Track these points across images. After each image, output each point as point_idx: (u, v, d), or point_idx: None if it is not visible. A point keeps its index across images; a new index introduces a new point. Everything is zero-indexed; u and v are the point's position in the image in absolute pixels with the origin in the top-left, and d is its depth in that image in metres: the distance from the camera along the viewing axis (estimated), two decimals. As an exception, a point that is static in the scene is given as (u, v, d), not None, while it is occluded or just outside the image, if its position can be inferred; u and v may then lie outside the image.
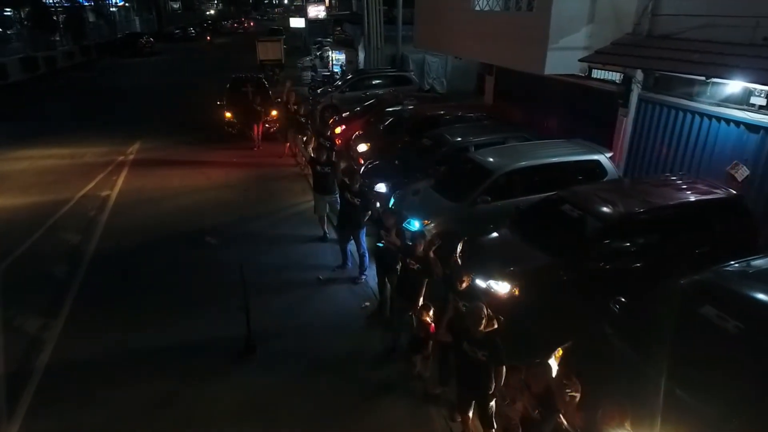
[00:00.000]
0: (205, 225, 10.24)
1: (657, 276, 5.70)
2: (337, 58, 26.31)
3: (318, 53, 29.49)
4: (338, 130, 14.79)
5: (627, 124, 10.40)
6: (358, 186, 7.92)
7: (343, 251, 8.53)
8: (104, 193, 11.84)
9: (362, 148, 12.65)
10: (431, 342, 5.88)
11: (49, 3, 39.20)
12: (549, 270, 6.46)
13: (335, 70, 25.75)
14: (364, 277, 8.22)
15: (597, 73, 11.06)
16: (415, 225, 8.37)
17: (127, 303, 7.70)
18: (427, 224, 8.35)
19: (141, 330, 7.07)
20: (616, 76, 10.48)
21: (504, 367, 4.49)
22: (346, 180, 8.20)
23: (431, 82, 22.27)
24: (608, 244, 6.72)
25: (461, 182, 8.98)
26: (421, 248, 6.10)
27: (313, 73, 26.54)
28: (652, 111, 9.97)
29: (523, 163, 8.70)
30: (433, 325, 5.84)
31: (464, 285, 5.33)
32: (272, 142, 15.50)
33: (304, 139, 13.43)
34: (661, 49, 9.14)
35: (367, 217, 8.04)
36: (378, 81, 19.13)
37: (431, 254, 5.93)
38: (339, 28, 33.14)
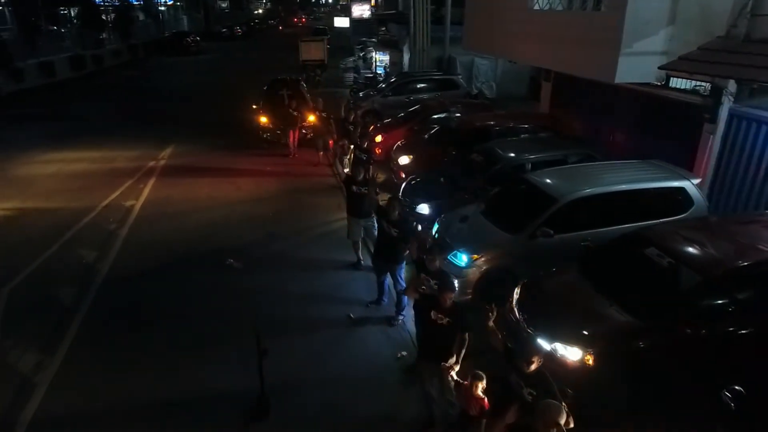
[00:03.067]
0: (230, 244, 9.36)
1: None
2: (380, 59, 25.28)
3: (361, 54, 28.52)
4: (378, 138, 13.74)
5: (714, 142, 8.89)
6: (397, 214, 6.78)
7: (380, 285, 7.43)
8: (128, 203, 11.14)
9: (404, 160, 11.53)
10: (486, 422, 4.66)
11: (99, 2, 39.75)
12: (633, 335, 5.16)
13: (378, 72, 24.72)
14: (401, 317, 7.09)
15: (676, 82, 9.62)
16: (462, 259, 7.18)
17: (132, 339, 6.83)
18: (476, 259, 7.16)
19: (144, 373, 6.18)
20: (701, 86, 9.02)
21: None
22: (384, 205, 7.09)
23: (480, 86, 20.92)
24: (710, 303, 5.36)
25: (518, 209, 7.74)
26: (449, 298, 4.90)
27: (356, 75, 25.59)
28: (747, 128, 8.45)
29: (593, 190, 7.36)
30: (486, 400, 4.64)
31: (533, 366, 4.05)
32: (308, 148, 14.53)
33: (342, 148, 12.42)
34: (764, 56, 7.64)
35: (406, 251, 6.91)
36: (423, 85, 17.97)
37: (490, 324, 4.67)
38: (383, 28, 32.07)
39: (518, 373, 4.07)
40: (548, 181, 7.75)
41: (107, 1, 41.22)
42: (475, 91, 20.18)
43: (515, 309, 5.98)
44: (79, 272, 8.41)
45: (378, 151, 13.53)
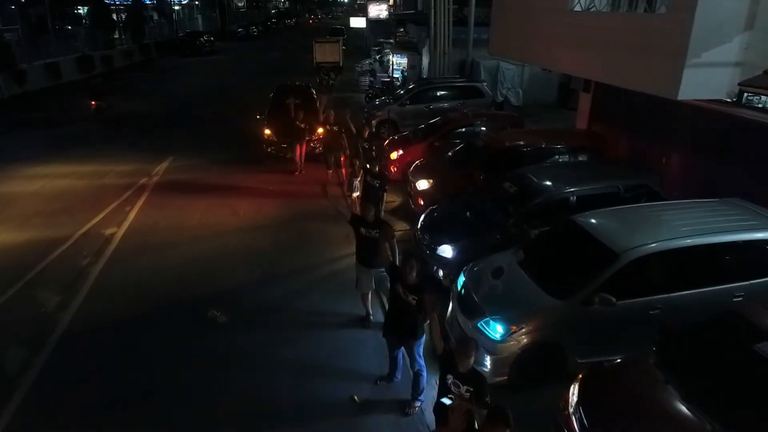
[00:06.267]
0: (218, 287, 8.00)
1: None
2: (398, 62, 23.74)
3: (377, 56, 27.01)
4: (394, 155, 12.26)
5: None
6: (415, 275, 5.27)
7: (392, 360, 5.94)
8: (109, 232, 9.79)
9: (423, 185, 10.01)
10: None
11: (110, 1, 38.83)
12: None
13: (396, 76, 23.21)
14: (419, 403, 5.60)
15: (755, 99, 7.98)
16: (497, 330, 5.66)
17: (85, 425, 5.45)
18: (515, 330, 5.63)
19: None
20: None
21: None
22: (398, 264, 5.61)
23: (505, 93, 19.30)
24: None
25: (567, 264, 6.19)
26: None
27: (372, 79, 24.09)
28: None
29: (666, 244, 5.76)
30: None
31: None
32: (317, 163, 13.07)
33: (353, 167, 10.92)
34: None
35: (427, 321, 5.41)
36: (444, 92, 16.42)
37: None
38: (402, 29, 30.55)
39: None
40: (606, 228, 6.18)
41: (119, 1, 40.27)
42: (501, 99, 18.63)
43: (580, 414, 4.44)
44: (35, 325, 7.05)
45: (393, 169, 12.07)
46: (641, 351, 4.76)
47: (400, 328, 5.50)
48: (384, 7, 38.27)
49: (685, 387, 4.27)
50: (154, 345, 6.70)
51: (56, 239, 9.42)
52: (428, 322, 5.32)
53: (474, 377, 4.11)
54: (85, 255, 8.92)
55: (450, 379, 4.16)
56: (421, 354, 5.53)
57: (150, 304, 7.54)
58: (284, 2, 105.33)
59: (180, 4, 54.00)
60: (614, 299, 5.45)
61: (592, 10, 9.82)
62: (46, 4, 29.12)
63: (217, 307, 7.28)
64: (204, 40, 42.76)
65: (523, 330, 5.62)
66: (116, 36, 37.34)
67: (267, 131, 13.70)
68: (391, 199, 10.79)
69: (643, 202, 7.62)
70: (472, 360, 4.10)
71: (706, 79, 7.62)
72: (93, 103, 20.35)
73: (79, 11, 39.17)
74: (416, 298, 5.21)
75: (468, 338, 4.92)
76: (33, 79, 25.00)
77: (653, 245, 5.71)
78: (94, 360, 6.45)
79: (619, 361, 4.90)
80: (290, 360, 6.41)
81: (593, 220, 6.39)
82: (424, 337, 5.49)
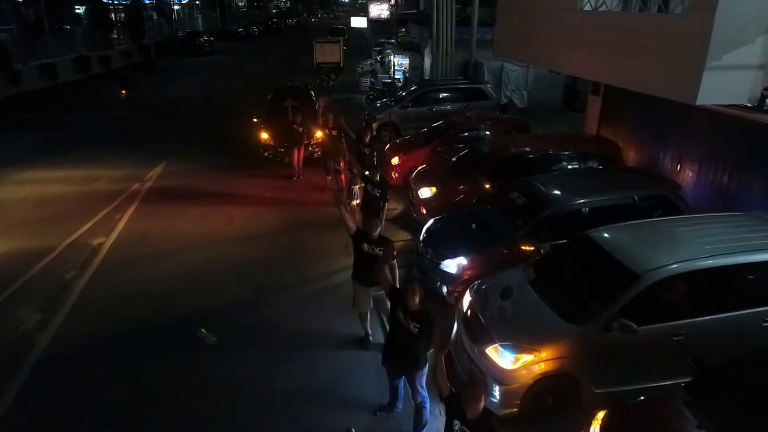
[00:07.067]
0: (208, 303, 7.56)
1: None
2: (399, 63, 23.24)
3: (379, 57, 26.53)
4: (395, 160, 11.79)
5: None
6: (419, 301, 4.81)
7: (393, 389, 5.47)
8: (96, 242, 9.35)
9: (425, 193, 9.54)
10: None
11: (108, 0, 38.37)
12: None
13: (397, 77, 22.72)
14: (421, 438, 5.16)
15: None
16: (507, 358, 5.20)
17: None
18: (527, 358, 5.16)
19: None
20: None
21: None
22: (399, 287, 5.14)
23: (509, 95, 18.81)
24: None
25: (582, 285, 5.72)
26: None
27: (373, 80, 23.59)
28: None
29: (692, 264, 5.28)
30: None
31: None
32: (315, 167, 12.59)
33: (352, 174, 10.45)
34: None
35: (429, 350, 4.95)
36: (447, 94, 15.93)
37: None
38: (403, 29, 30.04)
39: None
40: (625, 245, 5.70)
41: (118, 1, 39.82)
42: (505, 101, 18.13)
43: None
44: (11, 347, 6.61)
45: (394, 175, 11.62)
46: (669, 388, 4.28)
47: (400, 358, 5.03)
48: (385, 6, 37.81)
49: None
50: (138, 370, 6.24)
51: (41, 250, 8.98)
52: (431, 349, 4.90)
53: (483, 423, 3.65)
54: (70, 267, 8.47)
55: (457, 425, 3.70)
56: (424, 385, 5.06)
57: (135, 323, 7.09)
58: (285, 2, 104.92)
59: (180, 4, 53.57)
60: (635, 326, 4.98)
61: (602, 9, 9.35)
62: (42, 3, 28.73)
63: (207, 326, 6.79)
64: (204, 40, 42.28)
65: (536, 358, 5.15)
66: (114, 36, 36.92)
67: (264, 135, 13.23)
68: (392, 206, 10.33)
69: (660, 215, 7.18)
70: (481, 405, 3.64)
71: (727, 83, 7.17)
72: (123, 92, 21.23)
73: (78, 11, 38.79)
74: (418, 326, 4.74)
75: (477, 381, 4.44)
76: (28, 79, 24.63)
77: (676, 266, 5.24)
78: (73, 387, 6.01)
79: (644, 399, 4.43)
80: (282, 386, 5.97)
81: (610, 237, 5.92)
82: (427, 366, 5.03)
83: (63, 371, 6.23)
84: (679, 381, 5.24)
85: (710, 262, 5.28)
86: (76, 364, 6.35)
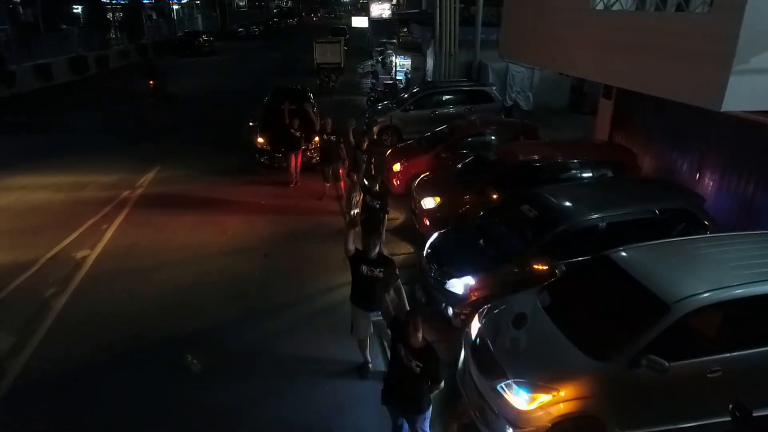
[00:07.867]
0: (196, 323, 7.03)
1: None
2: (401, 63, 22.72)
3: (380, 57, 26.01)
4: (397, 167, 11.26)
5: None
6: (422, 337, 4.27)
7: (396, 429, 4.93)
8: (80, 255, 8.82)
9: (429, 203, 9.01)
10: None
11: (105, 0, 37.89)
12: None
13: (399, 78, 22.20)
14: (425, 486, 4.62)
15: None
16: (521, 396, 4.66)
17: None
18: (544, 398, 4.62)
19: None
20: None
21: None
22: (401, 318, 4.59)
23: (515, 97, 18.28)
24: None
25: (604, 312, 5.18)
26: None
27: (374, 81, 23.09)
28: None
29: (727, 293, 4.73)
30: None
31: None
32: (314, 173, 12.04)
33: (351, 182, 9.91)
34: None
35: (433, 392, 4.42)
36: (450, 96, 15.39)
37: None
38: (405, 29, 29.52)
39: None
40: (651, 270, 5.15)
41: (116, 0, 39.34)
42: (510, 103, 17.58)
43: None
44: (-21, 375, 6.11)
45: (396, 182, 11.09)
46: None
47: (401, 399, 4.50)
48: (387, 6, 37.25)
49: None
50: (118, 401, 5.72)
51: (20, 264, 8.46)
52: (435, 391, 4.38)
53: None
54: (50, 284, 7.94)
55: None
56: (427, 429, 4.53)
57: (116, 348, 6.57)
58: (286, 2, 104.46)
59: (179, 4, 53.13)
60: (666, 363, 4.44)
61: (615, 8, 8.81)
62: (39, 3, 28.24)
63: (194, 350, 6.30)
64: (203, 40, 41.77)
65: (555, 398, 4.61)
66: (112, 36, 36.42)
67: (260, 139, 12.68)
68: (394, 216, 9.80)
69: (682, 230, 6.65)
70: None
71: (755, 87, 6.58)
72: (151, 82, 22.27)
73: (76, 10, 38.32)
74: (420, 364, 4.21)
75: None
76: (23, 80, 24.15)
77: (709, 294, 4.70)
78: (47, 419, 5.48)
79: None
80: (275, 419, 5.44)
81: (634, 259, 5.37)
82: (431, 409, 4.49)
83: (37, 401, 5.72)
84: (714, 421, 4.76)
85: (749, 290, 4.73)
86: (51, 392, 5.83)
